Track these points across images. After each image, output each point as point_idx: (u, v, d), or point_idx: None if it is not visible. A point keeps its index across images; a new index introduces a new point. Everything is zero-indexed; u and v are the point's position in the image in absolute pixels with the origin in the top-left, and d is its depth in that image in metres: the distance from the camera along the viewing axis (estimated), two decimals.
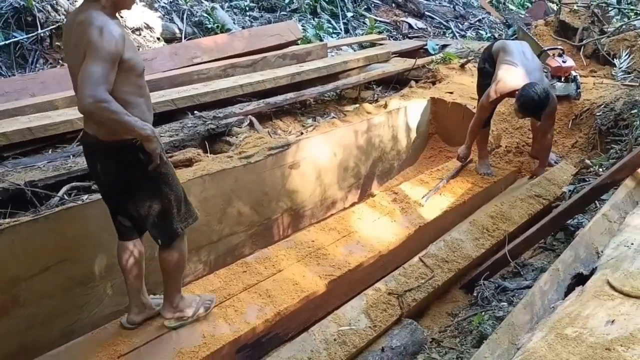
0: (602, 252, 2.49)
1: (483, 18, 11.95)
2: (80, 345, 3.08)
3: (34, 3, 6.32)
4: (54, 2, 6.61)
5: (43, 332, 3.25)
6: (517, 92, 4.56)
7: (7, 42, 6.02)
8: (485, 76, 5.04)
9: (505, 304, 3.07)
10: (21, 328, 3.17)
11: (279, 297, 3.61)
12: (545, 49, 6.56)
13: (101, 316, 3.52)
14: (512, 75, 4.69)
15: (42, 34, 6.29)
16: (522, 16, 12.47)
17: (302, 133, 5.57)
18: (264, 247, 4.50)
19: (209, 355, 3.10)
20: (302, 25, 8.73)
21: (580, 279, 2.32)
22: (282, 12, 9.41)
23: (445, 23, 11.04)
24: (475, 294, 3.48)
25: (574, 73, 6.11)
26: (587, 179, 4.63)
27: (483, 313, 3.00)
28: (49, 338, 3.22)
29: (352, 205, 5.39)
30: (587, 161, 5.06)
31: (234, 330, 3.30)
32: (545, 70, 6.24)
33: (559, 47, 6.63)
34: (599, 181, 3.38)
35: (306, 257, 4.06)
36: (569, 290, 2.27)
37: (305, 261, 4.01)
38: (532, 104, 4.46)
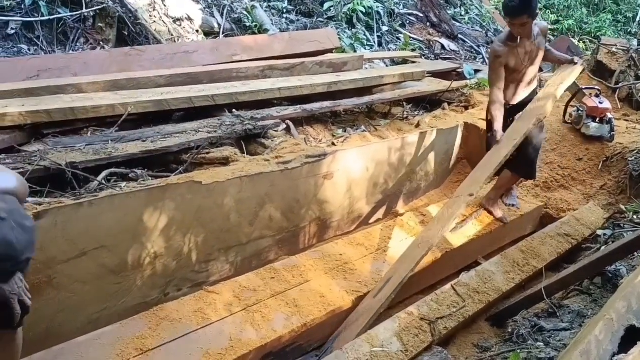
0: None
1: None
2: (108, 335, 3.04)
3: None
4: None
5: (72, 317, 3.23)
6: None
7: (50, 17, 6.02)
8: None
9: (541, 344, 3.04)
10: (52, 311, 3.15)
11: (306, 308, 3.58)
12: (582, 88, 6.53)
13: (128, 307, 3.50)
14: None
15: (85, 14, 6.29)
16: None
17: (333, 143, 5.56)
18: (288, 253, 4.50)
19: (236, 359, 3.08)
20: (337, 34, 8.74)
21: (633, 331, 2.30)
22: (319, 19, 9.41)
23: (476, 48, 11.04)
24: (509, 330, 3.45)
25: (609, 115, 6.09)
26: (622, 225, 4.60)
27: (519, 351, 2.97)
28: (76, 324, 3.21)
29: (377, 221, 5.38)
30: (622, 206, 5.02)
31: (261, 337, 3.27)
32: (581, 109, 6.24)
33: (596, 87, 6.61)
34: None
35: (333, 270, 4.04)
36: (622, 341, 2.25)
37: (333, 274, 3.99)
38: None
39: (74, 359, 2.85)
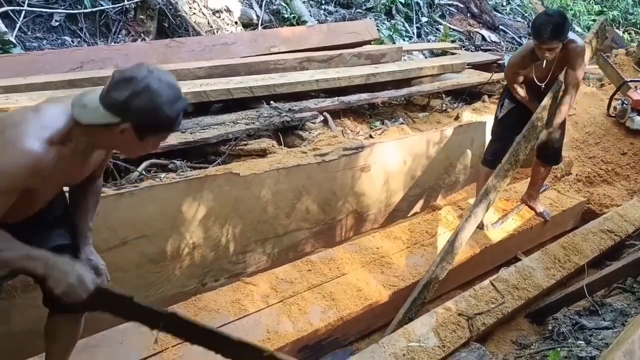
0: None
1: None
2: None
3: None
4: None
5: None
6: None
7: (93, 9, 6.13)
8: None
9: (582, 343, 2.98)
10: None
11: (343, 301, 3.57)
12: (627, 80, 6.36)
13: (167, 296, 3.55)
14: None
15: (127, 6, 6.38)
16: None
17: (371, 136, 5.53)
18: (324, 246, 4.49)
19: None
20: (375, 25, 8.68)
21: None
22: (358, 10, 9.37)
23: (517, 39, 10.84)
24: (549, 327, 3.40)
25: None
26: None
27: (559, 349, 2.92)
28: None
29: (415, 214, 5.33)
30: None
31: (298, 330, 3.28)
32: (626, 102, 6.08)
33: None
34: None
35: (370, 263, 4.02)
36: None
37: (370, 267, 3.97)
38: (536, 21, 3.77)
39: (114, 346, 2.90)
